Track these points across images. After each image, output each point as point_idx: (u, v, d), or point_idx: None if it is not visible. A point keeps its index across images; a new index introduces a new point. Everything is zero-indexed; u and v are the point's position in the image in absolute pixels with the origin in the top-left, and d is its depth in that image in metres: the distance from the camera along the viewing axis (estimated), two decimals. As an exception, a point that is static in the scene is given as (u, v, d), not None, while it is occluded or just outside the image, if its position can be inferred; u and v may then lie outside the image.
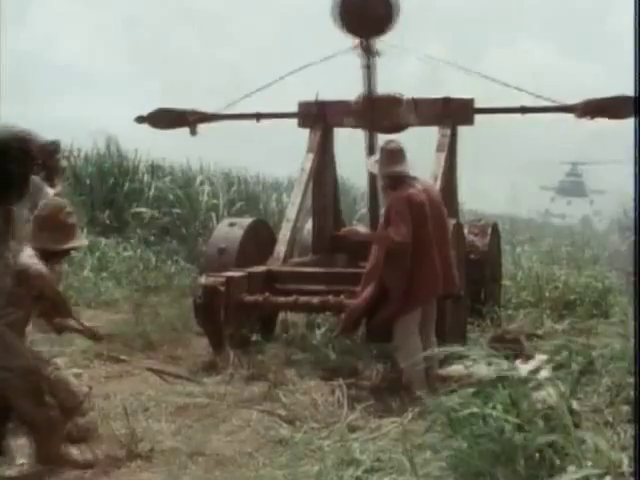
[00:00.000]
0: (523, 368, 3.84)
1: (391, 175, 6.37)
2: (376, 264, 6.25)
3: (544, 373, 3.82)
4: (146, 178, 15.89)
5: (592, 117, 8.57)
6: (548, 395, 3.55)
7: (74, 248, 5.03)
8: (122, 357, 7.28)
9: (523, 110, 8.96)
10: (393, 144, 6.51)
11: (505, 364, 3.56)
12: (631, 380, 5.65)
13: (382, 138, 8.04)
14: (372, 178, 8.77)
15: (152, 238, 13.87)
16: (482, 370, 3.55)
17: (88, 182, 15.12)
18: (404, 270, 6.13)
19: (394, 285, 6.15)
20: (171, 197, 15.56)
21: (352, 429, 5.24)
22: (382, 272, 6.19)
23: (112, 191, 15.04)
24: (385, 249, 6.18)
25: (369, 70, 7.86)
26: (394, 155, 6.37)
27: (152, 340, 7.91)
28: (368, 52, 7.64)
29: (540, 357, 5.13)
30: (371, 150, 8.46)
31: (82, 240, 5.23)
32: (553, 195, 70.18)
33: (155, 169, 16.60)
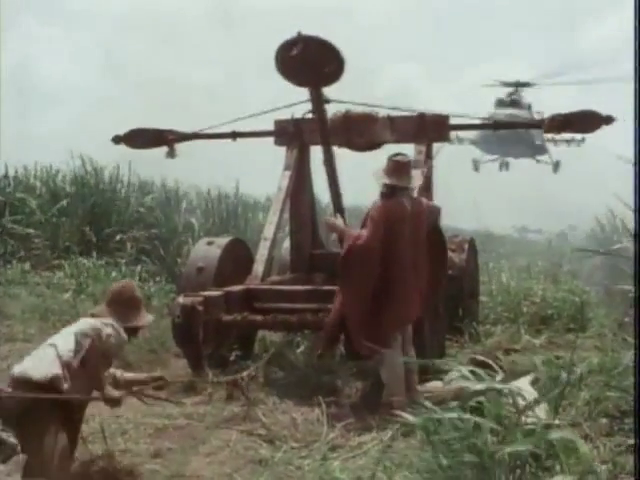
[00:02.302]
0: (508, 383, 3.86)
1: (385, 185, 6.41)
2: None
3: (528, 388, 3.85)
4: (124, 198, 15.82)
5: (558, 132, 8.68)
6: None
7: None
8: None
9: (496, 126, 9.05)
10: (399, 157, 6.52)
11: (487, 378, 3.57)
12: (610, 393, 5.69)
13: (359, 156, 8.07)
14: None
15: (143, 257, 13.84)
16: (463, 383, 3.56)
17: (66, 203, 15.03)
18: (369, 279, 6.19)
19: (354, 299, 6.24)
20: (150, 217, 15.48)
21: (332, 448, 5.24)
22: (342, 283, 6.30)
23: (91, 212, 14.95)
24: (347, 250, 6.26)
25: (320, 116, 7.59)
26: (395, 167, 6.41)
27: (130, 361, 7.85)
28: (317, 101, 7.44)
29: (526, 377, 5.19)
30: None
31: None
32: (476, 157, 37.75)
33: (135, 188, 16.53)
